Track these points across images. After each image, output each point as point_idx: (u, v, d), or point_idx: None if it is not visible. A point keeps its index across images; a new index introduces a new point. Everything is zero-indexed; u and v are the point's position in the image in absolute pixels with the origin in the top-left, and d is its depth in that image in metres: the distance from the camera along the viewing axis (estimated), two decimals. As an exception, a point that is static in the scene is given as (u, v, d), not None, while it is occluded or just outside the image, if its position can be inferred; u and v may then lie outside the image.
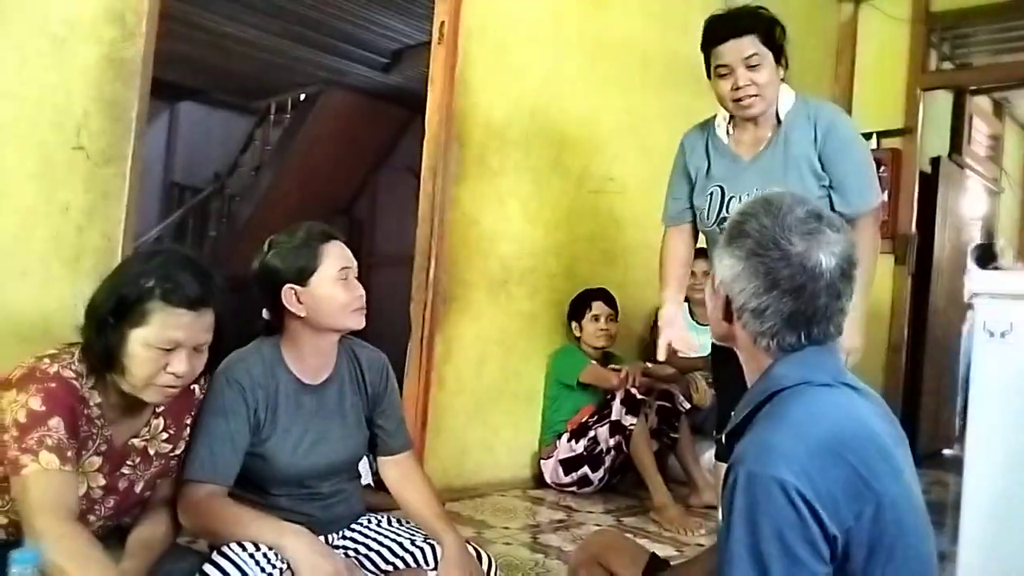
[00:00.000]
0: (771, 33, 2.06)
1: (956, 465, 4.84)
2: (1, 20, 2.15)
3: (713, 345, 2.14)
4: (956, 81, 5.45)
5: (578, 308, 3.55)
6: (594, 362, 3.48)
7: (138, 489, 1.50)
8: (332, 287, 1.66)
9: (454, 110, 3.17)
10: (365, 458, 2.94)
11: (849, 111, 4.99)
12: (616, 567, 1.47)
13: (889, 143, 4.88)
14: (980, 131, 6.06)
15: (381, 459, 1.86)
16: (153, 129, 7.08)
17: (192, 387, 1.55)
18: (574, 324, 3.55)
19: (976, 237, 6.06)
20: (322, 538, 1.73)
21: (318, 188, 7.06)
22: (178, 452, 1.57)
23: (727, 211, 2.13)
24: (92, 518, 1.44)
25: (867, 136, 4.89)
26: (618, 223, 3.81)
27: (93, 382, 1.39)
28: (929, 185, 5.07)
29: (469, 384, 3.28)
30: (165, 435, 1.53)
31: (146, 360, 1.35)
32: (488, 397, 3.34)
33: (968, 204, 5.83)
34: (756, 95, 2.05)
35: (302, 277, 1.64)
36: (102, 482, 1.43)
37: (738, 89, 2.05)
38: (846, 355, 1.97)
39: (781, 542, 0.99)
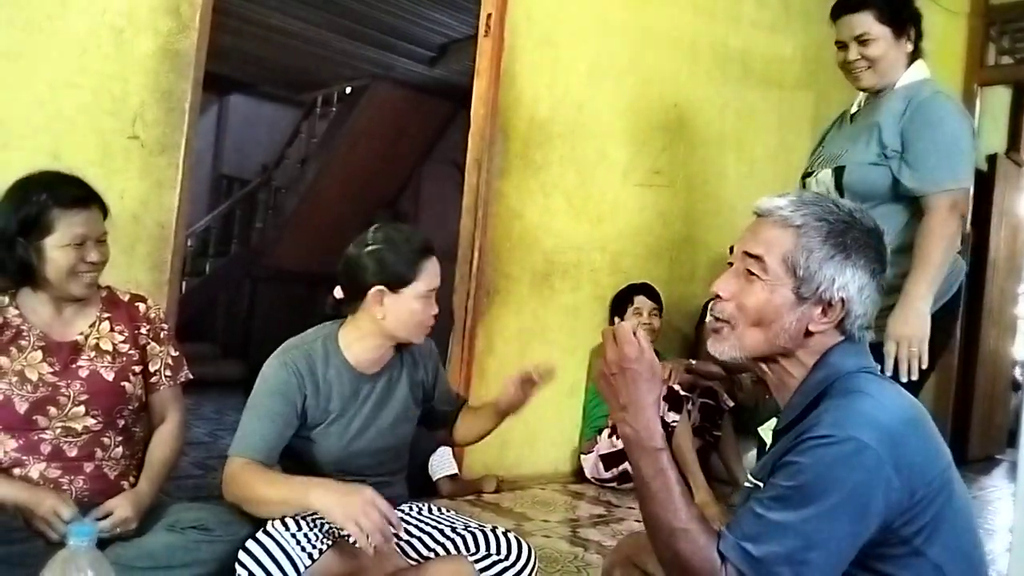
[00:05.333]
0: (889, 9, 2.13)
1: (1008, 469, 4.74)
2: (63, 11, 2.22)
3: None
4: (1015, 76, 5.30)
5: (620, 303, 3.53)
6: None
7: (110, 377, 1.70)
8: (416, 303, 1.67)
9: (499, 103, 3.18)
10: (448, 450, 2.98)
11: (902, 106, 4.88)
12: (651, 568, 1.45)
13: (944, 139, 4.76)
14: (1039, 128, 5.87)
15: (439, 430, 1.96)
16: (202, 121, 7.20)
17: (137, 304, 1.80)
18: (616, 319, 3.54)
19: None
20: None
21: (363, 181, 7.11)
22: (152, 365, 1.79)
23: (813, 167, 2.26)
24: (63, 399, 1.64)
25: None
26: (664, 217, 3.78)
27: (8, 299, 1.66)
28: (985, 183, 4.94)
29: (511, 377, 3.27)
30: (120, 336, 1.74)
31: (64, 259, 1.61)
32: (529, 390, 3.34)
33: (1025, 203, 5.66)
34: (867, 68, 2.15)
35: (396, 284, 1.65)
36: (49, 369, 1.64)
37: (848, 63, 2.18)
38: (894, 343, 1.93)
39: (854, 500, 0.98)
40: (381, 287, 1.65)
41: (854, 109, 2.30)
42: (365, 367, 1.75)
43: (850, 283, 1.10)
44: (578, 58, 3.43)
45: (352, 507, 1.45)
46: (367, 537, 1.42)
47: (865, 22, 2.13)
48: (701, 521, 1.05)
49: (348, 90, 7.18)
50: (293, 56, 6.59)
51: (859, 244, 1.11)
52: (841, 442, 0.99)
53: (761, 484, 1.08)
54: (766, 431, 1.21)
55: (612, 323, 3.53)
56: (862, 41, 2.14)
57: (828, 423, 1.02)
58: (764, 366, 1.18)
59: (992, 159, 5.03)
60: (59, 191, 1.62)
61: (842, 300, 1.10)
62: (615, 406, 1.10)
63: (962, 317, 4.81)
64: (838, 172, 2.14)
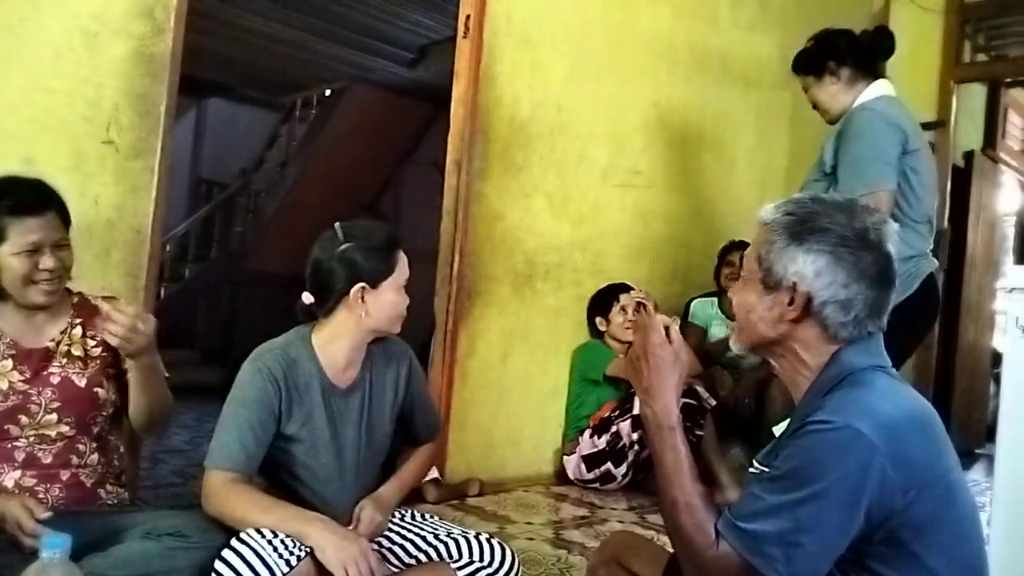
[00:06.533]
0: (806, 62, 2.53)
1: (988, 464, 4.79)
2: (35, 14, 2.18)
3: None
4: (991, 73, 5.37)
5: (603, 302, 3.53)
6: (620, 355, 3.47)
7: (82, 384, 1.68)
8: (395, 295, 1.69)
9: (479, 104, 3.16)
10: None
11: (880, 104, 4.92)
12: (636, 567, 1.46)
13: (921, 137, 4.80)
14: (1015, 125, 5.95)
15: (405, 446, 1.90)
16: (181, 125, 7.15)
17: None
18: (598, 319, 3.53)
19: (1009, 233, 5.96)
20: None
21: (343, 183, 7.08)
22: (127, 363, 1.72)
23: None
24: (34, 407, 1.62)
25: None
26: (644, 217, 3.78)
27: None
28: (962, 180, 4.99)
29: (493, 379, 3.27)
30: (92, 341, 1.72)
31: (19, 267, 1.60)
32: (512, 392, 3.34)
33: (1002, 199, 5.72)
34: (822, 111, 2.55)
35: (376, 279, 1.66)
36: (20, 377, 1.63)
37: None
38: None
39: (845, 487, 1.01)
40: (363, 285, 1.65)
41: None
42: (341, 369, 1.73)
43: (804, 268, 1.14)
44: (558, 59, 3.42)
45: (346, 553, 1.47)
46: None
47: (801, 80, 2.57)
48: (704, 498, 1.13)
49: (327, 92, 7.15)
50: (271, 59, 6.55)
51: (818, 230, 1.14)
52: (837, 428, 1.02)
53: (766, 469, 1.12)
54: (779, 430, 1.23)
55: (592, 324, 3.54)
56: (806, 93, 2.57)
57: (829, 410, 1.06)
58: (773, 361, 1.24)
59: (969, 156, 5.09)
60: (10, 198, 1.60)
61: (794, 284, 1.14)
62: (639, 388, 1.22)
63: (940, 313, 4.86)
64: (800, 190, 2.48)
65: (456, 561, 1.66)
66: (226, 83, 7.61)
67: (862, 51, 2.48)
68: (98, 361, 1.72)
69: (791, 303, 1.15)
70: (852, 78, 2.45)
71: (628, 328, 3.46)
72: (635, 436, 3.21)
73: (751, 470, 1.19)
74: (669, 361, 1.20)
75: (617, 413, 3.30)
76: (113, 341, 1.60)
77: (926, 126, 4.78)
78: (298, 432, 1.68)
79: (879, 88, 2.44)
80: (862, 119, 2.35)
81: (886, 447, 1.00)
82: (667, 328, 1.22)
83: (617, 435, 3.26)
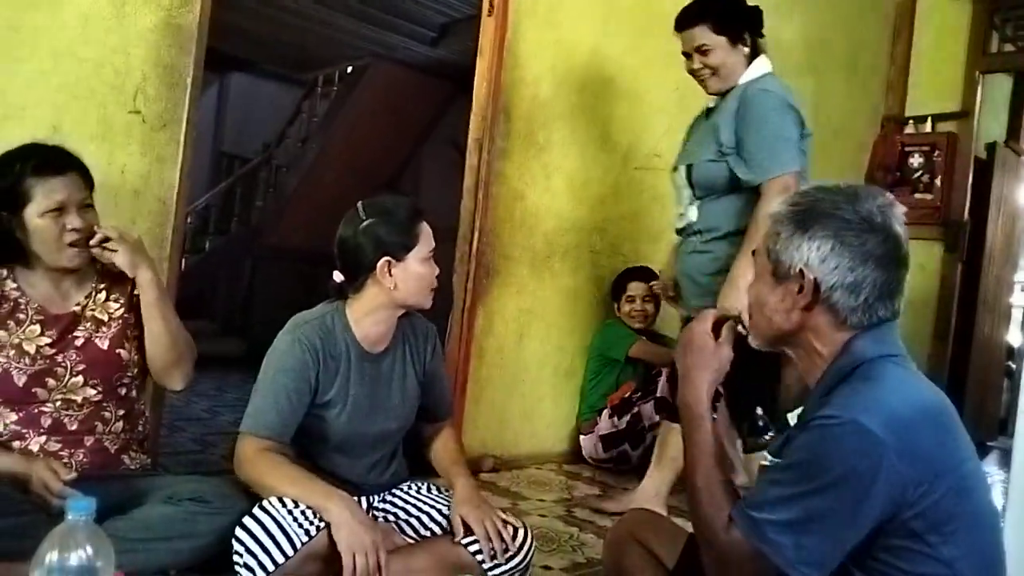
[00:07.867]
0: (722, 20, 2.32)
1: (1000, 456, 4.78)
2: (65, -17, 2.20)
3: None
4: (1017, 64, 5.29)
5: (615, 289, 3.56)
6: (644, 337, 3.48)
7: (105, 346, 1.71)
8: (422, 267, 1.71)
9: (502, 83, 3.16)
10: None
11: (905, 92, 4.87)
12: (654, 545, 1.47)
13: (944, 127, 4.75)
14: (1041, 117, 5.86)
15: (419, 422, 1.92)
16: (204, 99, 7.15)
17: None
18: (615, 303, 3.56)
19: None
20: (363, 499, 1.77)
21: (363, 161, 7.09)
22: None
23: (677, 162, 2.50)
24: (60, 370, 1.66)
25: (921, 119, 4.78)
26: (663, 201, 3.76)
27: (5, 271, 1.68)
28: (984, 171, 4.94)
29: (509, 357, 3.29)
30: (115, 304, 1.75)
31: (47, 227, 1.62)
32: (528, 370, 3.36)
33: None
34: (711, 74, 2.36)
35: (400, 252, 1.69)
36: (48, 341, 1.66)
37: (694, 71, 2.39)
38: None
39: (852, 482, 1.01)
40: (388, 258, 1.67)
41: (712, 104, 2.45)
42: (373, 342, 1.77)
43: (809, 255, 1.14)
44: (581, 39, 3.41)
45: (360, 540, 1.50)
46: (353, 571, 1.47)
47: (702, 34, 2.33)
48: (724, 486, 1.16)
49: (349, 69, 7.14)
50: (294, 34, 6.54)
51: (820, 218, 1.15)
52: (842, 424, 1.03)
53: (779, 461, 1.13)
54: (794, 417, 1.24)
55: (614, 306, 3.55)
56: (702, 51, 2.34)
57: (836, 404, 1.06)
58: (790, 351, 1.24)
59: (991, 147, 5.02)
60: (34, 160, 1.63)
61: (801, 272, 1.15)
62: (680, 374, 1.28)
63: (957, 305, 4.85)
64: (688, 169, 2.38)
65: (465, 536, 1.68)
66: (249, 58, 7.62)
67: (758, 26, 2.39)
68: (119, 322, 1.75)
69: (800, 291, 1.15)
70: (752, 51, 2.36)
71: (633, 317, 3.48)
72: (656, 419, 3.23)
73: (763, 463, 1.20)
74: (707, 351, 1.25)
75: (639, 394, 3.32)
76: (104, 245, 1.66)
77: (950, 116, 4.76)
78: (335, 396, 1.71)
79: (764, 64, 2.35)
80: (764, 101, 2.25)
81: (894, 442, 1.01)
82: (720, 321, 1.27)
83: (638, 416, 3.28)
